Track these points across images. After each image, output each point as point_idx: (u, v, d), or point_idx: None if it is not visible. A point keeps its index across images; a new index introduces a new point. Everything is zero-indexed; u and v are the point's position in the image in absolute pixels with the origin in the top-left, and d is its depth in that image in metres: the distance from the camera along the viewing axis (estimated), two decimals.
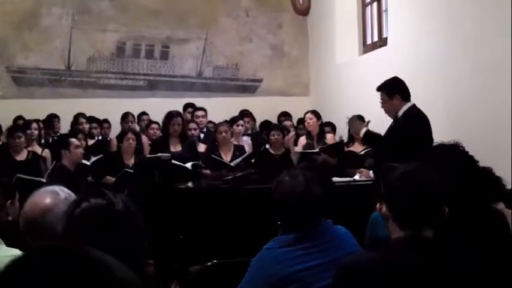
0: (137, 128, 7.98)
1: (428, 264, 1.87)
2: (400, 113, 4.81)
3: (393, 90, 4.84)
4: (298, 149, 6.85)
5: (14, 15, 8.76)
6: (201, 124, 7.34)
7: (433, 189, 1.94)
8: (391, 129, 4.95)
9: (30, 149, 6.49)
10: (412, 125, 4.73)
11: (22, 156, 6.31)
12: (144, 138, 7.24)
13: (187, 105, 8.05)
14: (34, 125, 7.04)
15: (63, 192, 2.20)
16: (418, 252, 1.91)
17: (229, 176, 5.91)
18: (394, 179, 2.00)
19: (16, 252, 2.44)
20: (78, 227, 1.65)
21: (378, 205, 2.06)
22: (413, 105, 4.82)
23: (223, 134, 6.52)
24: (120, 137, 6.60)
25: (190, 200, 5.53)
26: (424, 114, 4.80)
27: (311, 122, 6.84)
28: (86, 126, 7.69)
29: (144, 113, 8.22)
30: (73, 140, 5.76)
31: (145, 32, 9.24)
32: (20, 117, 7.77)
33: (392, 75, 5.01)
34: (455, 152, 2.52)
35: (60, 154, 5.71)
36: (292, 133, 7.52)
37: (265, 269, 2.37)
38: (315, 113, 6.94)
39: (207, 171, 6.39)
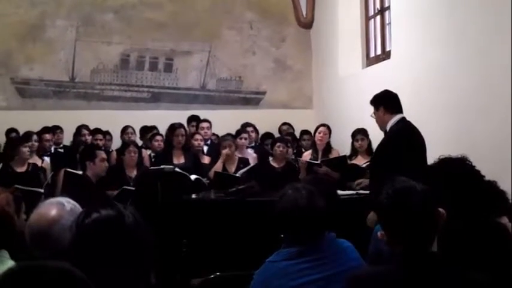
0: (139, 141, 7.91)
1: (433, 279, 1.87)
2: (388, 126, 4.68)
3: (378, 102, 4.72)
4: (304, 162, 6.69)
5: (19, 27, 8.79)
6: (205, 136, 7.31)
7: (422, 200, 1.94)
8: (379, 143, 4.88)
9: (30, 160, 6.44)
10: (393, 138, 4.60)
11: (22, 167, 6.27)
12: (144, 152, 7.21)
13: (191, 118, 8.03)
14: (34, 136, 7.02)
15: (69, 204, 2.21)
16: (422, 266, 1.91)
17: (232, 188, 5.90)
18: (382, 199, 2.00)
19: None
20: (88, 237, 1.67)
21: (379, 234, 2.06)
22: (402, 119, 4.66)
23: (228, 148, 6.52)
24: (121, 150, 6.57)
25: (192, 212, 5.52)
26: (410, 127, 4.62)
27: (325, 137, 6.72)
28: (89, 138, 7.68)
29: (153, 127, 8.07)
30: (100, 152, 5.74)
31: (149, 45, 9.27)
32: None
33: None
34: (461, 165, 2.51)
35: (85, 165, 5.69)
36: None
37: (267, 283, 2.37)
38: (328, 128, 6.80)
39: None
